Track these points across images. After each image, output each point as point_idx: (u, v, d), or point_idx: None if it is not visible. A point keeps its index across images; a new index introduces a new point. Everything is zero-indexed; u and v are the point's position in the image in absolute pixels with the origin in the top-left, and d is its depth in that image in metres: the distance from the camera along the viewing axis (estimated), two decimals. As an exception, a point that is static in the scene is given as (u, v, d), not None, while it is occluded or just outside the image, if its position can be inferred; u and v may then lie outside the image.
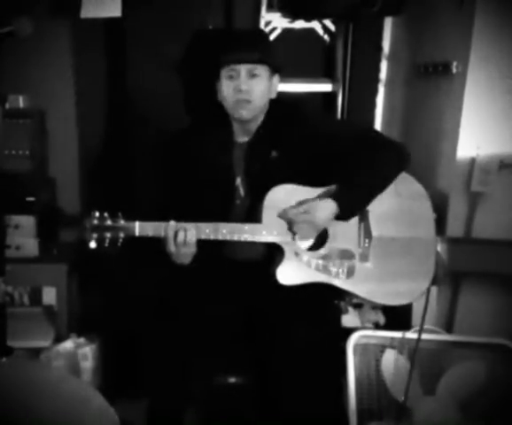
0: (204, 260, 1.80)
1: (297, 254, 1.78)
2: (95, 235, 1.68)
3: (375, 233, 1.83)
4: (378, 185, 1.81)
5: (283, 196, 1.78)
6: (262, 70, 1.80)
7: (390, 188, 1.83)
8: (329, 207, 1.75)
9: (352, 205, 1.78)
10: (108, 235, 1.68)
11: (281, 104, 1.88)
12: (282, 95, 1.93)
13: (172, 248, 1.71)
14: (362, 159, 1.80)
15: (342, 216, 1.76)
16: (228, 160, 1.89)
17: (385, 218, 1.84)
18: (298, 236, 1.77)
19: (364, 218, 1.83)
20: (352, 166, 1.80)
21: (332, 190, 1.78)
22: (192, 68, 2.41)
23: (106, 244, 1.68)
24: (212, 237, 1.73)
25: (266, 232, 1.77)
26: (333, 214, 1.75)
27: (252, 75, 1.78)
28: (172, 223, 1.70)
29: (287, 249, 1.77)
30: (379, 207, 1.83)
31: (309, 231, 1.77)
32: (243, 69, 1.78)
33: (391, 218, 1.84)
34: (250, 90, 1.78)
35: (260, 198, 1.78)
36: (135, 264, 2.43)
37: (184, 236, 1.69)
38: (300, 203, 1.77)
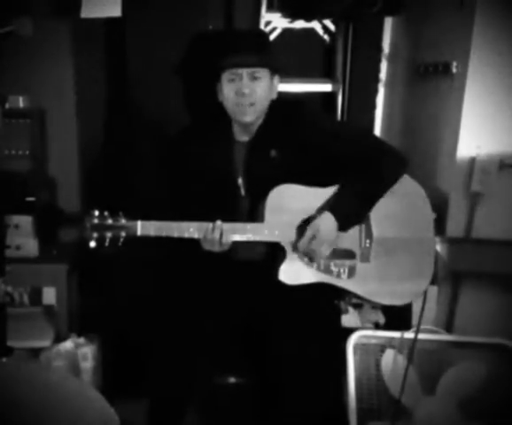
0: (205, 260, 1.80)
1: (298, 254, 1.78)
2: (95, 235, 1.67)
3: (375, 233, 1.84)
4: (374, 194, 1.82)
5: (284, 195, 1.78)
6: (263, 72, 1.80)
7: (390, 189, 1.83)
8: (329, 221, 1.76)
9: (348, 217, 1.79)
10: (109, 234, 1.67)
11: (281, 103, 1.88)
12: (282, 95, 1.92)
13: (217, 247, 1.73)
14: (359, 168, 1.80)
15: (340, 228, 1.77)
16: (229, 160, 1.89)
17: (386, 219, 1.84)
18: (320, 259, 1.77)
19: (365, 218, 1.83)
20: (349, 173, 1.80)
21: (329, 202, 1.79)
22: (193, 68, 2.41)
23: (107, 244, 1.68)
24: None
25: (268, 232, 1.77)
26: (336, 225, 1.76)
27: (254, 78, 1.78)
28: (218, 223, 1.72)
29: (289, 249, 1.78)
30: (380, 208, 1.84)
31: (325, 250, 1.77)
32: (244, 72, 1.77)
33: (392, 219, 1.85)
34: (252, 93, 1.78)
35: (262, 198, 1.79)
36: (135, 264, 2.43)
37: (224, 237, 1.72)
38: (303, 230, 1.76)
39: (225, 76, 1.80)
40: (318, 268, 1.79)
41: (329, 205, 1.78)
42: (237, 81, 1.78)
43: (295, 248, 1.77)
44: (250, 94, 1.78)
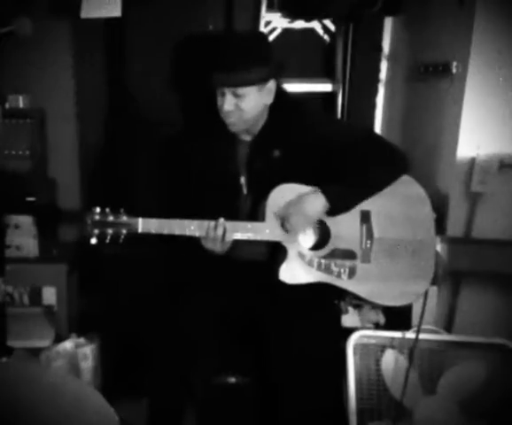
0: (206, 260, 1.80)
1: (299, 254, 1.79)
2: (96, 231, 1.66)
3: (376, 234, 1.84)
4: (370, 187, 1.83)
5: (286, 195, 1.79)
6: (247, 88, 1.74)
7: (391, 190, 1.84)
8: (318, 200, 1.76)
9: (341, 201, 1.79)
10: (110, 231, 1.66)
11: (285, 103, 1.87)
12: (287, 94, 1.91)
13: (219, 245, 1.73)
14: (359, 160, 1.81)
15: (332, 210, 1.78)
16: (232, 159, 1.89)
17: (387, 219, 1.84)
18: (291, 229, 1.76)
19: (366, 219, 1.83)
20: (348, 165, 1.81)
21: (324, 186, 1.79)
22: (194, 68, 2.41)
23: (108, 241, 1.67)
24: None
25: (269, 231, 1.77)
26: (323, 207, 1.77)
27: (237, 95, 1.74)
28: (221, 220, 1.71)
29: (290, 248, 1.78)
30: (381, 209, 1.84)
31: (301, 223, 1.77)
32: (226, 90, 1.74)
33: (393, 219, 1.85)
34: (235, 110, 1.76)
35: (264, 197, 1.79)
36: (135, 263, 2.43)
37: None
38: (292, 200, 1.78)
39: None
40: (319, 268, 1.79)
41: (323, 188, 1.78)
42: (221, 97, 1.77)
43: (276, 215, 1.77)
44: (233, 111, 1.76)
